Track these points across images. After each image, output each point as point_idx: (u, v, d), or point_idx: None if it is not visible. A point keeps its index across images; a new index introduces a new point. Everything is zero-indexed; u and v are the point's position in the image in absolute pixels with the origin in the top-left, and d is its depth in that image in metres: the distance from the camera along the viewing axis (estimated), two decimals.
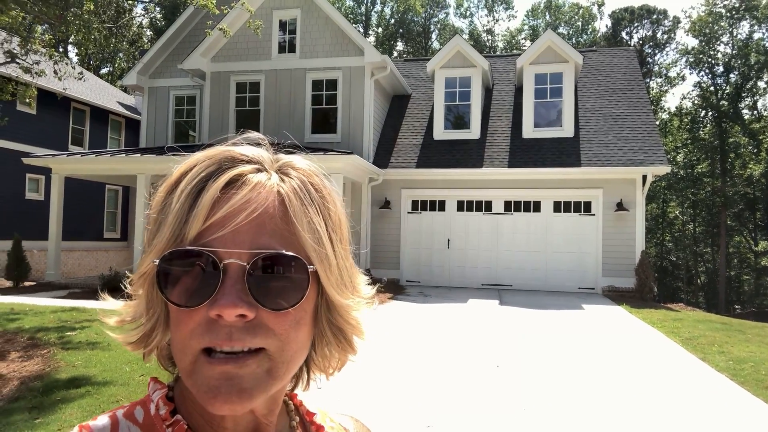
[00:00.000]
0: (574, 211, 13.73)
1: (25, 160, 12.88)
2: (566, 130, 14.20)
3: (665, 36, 36.21)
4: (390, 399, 5.02)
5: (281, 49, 15.02)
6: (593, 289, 13.40)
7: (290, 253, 0.56)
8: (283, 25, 15.04)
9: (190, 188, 0.57)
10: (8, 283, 12.17)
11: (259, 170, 0.59)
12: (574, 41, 39.54)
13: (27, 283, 12.16)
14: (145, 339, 0.61)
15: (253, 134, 0.67)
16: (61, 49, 30.41)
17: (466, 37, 43.33)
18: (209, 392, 0.53)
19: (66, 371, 5.60)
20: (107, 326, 0.63)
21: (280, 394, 0.64)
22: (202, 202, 0.55)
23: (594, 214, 13.55)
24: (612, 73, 16.10)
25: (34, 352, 6.29)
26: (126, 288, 0.63)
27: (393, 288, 13.04)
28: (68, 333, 7.11)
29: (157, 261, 0.56)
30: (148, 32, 37.35)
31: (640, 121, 14.22)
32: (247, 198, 0.56)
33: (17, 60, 9.53)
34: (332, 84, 14.63)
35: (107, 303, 0.65)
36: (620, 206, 13.08)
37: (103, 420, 0.60)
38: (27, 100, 10.76)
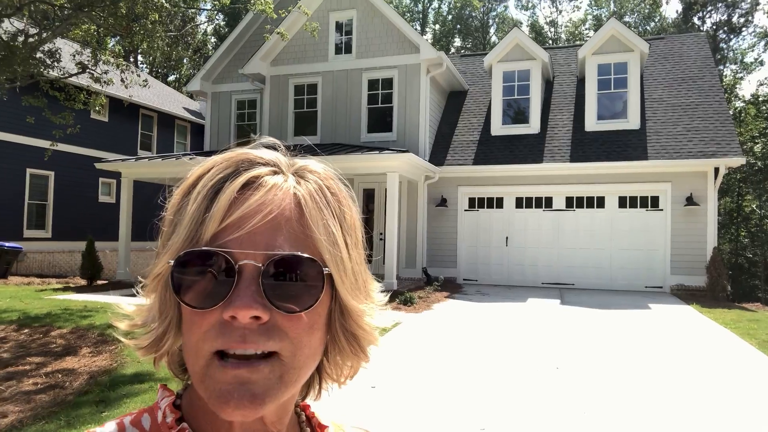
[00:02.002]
0: (641, 207, 13.15)
1: (97, 165, 13.57)
2: (632, 122, 13.61)
3: (742, 19, 34.16)
4: (445, 400, 4.94)
5: (338, 50, 15.15)
6: (661, 287, 12.79)
7: (306, 255, 0.56)
8: (339, 27, 15.17)
9: (207, 190, 0.57)
10: (83, 282, 12.86)
11: (275, 172, 0.59)
12: (640, 29, 37.94)
13: (100, 282, 12.80)
14: (156, 344, 0.60)
15: (269, 139, 0.67)
16: (131, 59, 31.96)
17: (527, 29, 42.38)
18: (221, 397, 0.53)
19: (131, 366, 5.84)
20: (119, 331, 0.63)
21: (290, 402, 0.63)
22: (219, 203, 0.55)
23: (662, 210, 12.92)
24: (681, 61, 15.31)
25: (103, 347, 6.60)
26: (138, 292, 0.63)
27: (450, 286, 12.91)
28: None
29: (172, 262, 0.55)
30: (213, 39, 38.65)
31: (711, 111, 13.45)
32: (264, 200, 0.56)
33: (88, 70, 10.03)
34: (388, 83, 14.62)
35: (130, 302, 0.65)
36: (690, 201, 12.41)
37: (110, 427, 0.61)
38: (97, 108, 11.32)
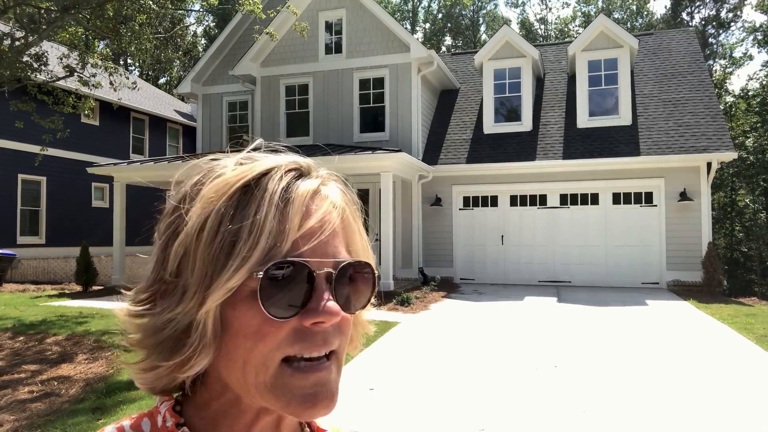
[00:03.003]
0: (635, 203, 13.18)
1: (89, 170, 13.46)
2: (623, 117, 13.65)
3: (730, 14, 34.35)
4: (443, 400, 4.92)
5: (328, 50, 15.10)
6: (657, 283, 12.83)
7: (364, 260, 0.61)
8: (329, 26, 15.12)
9: (278, 198, 0.57)
10: (78, 288, 12.75)
11: (322, 182, 0.62)
12: (628, 26, 38.10)
13: (95, 288, 12.70)
14: (184, 364, 0.57)
15: (280, 145, 0.67)
16: (121, 62, 31.75)
17: (517, 27, 42.46)
18: (306, 401, 0.56)
19: (128, 373, 5.76)
20: (129, 370, 0.62)
21: None
22: (294, 216, 0.57)
23: (656, 205, 12.96)
24: (671, 57, 15.37)
25: (99, 354, 6.54)
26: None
27: (446, 286, 12.90)
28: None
29: (261, 274, 0.54)
30: (203, 41, 38.47)
31: (702, 106, 13.51)
32: (327, 209, 0.59)
33: (76, 73, 9.94)
34: (379, 82, 14.60)
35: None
36: (684, 196, 12.46)
37: (110, 431, 0.61)
38: (86, 112, 11.22)
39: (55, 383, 5.43)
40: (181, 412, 0.62)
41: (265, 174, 0.59)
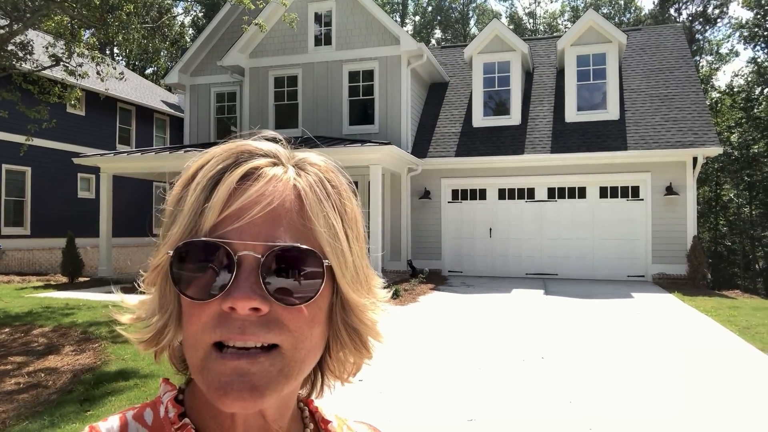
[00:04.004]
0: (622, 197, 13.31)
1: (75, 160, 13.32)
2: (611, 112, 13.75)
3: (717, 11, 34.60)
4: (432, 391, 4.96)
5: (317, 42, 15.03)
6: (643, 276, 12.98)
7: (306, 247, 0.55)
8: (318, 18, 15.05)
9: (206, 180, 0.56)
10: (64, 279, 12.65)
11: (275, 164, 0.59)
12: (617, 21, 38.27)
13: (81, 279, 12.60)
14: (156, 337, 0.60)
15: (268, 132, 0.66)
16: (107, 52, 31.36)
17: (506, 21, 42.48)
18: (220, 388, 0.52)
19: (116, 364, 5.77)
20: (120, 324, 0.63)
21: (291, 398, 0.63)
22: (218, 193, 0.55)
23: (642, 199, 13.10)
24: (658, 52, 15.48)
25: (87, 345, 6.50)
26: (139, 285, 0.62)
27: (435, 278, 12.96)
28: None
29: (171, 253, 0.55)
30: (190, 31, 38.09)
31: (689, 101, 13.64)
32: (263, 190, 0.55)
33: (62, 62, 9.82)
34: (369, 75, 14.56)
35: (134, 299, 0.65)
36: (670, 190, 12.59)
37: (113, 421, 0.60)
38: (72, 102, 11.08)
39: (42, 375, 5.39)
40: (183, 401, 0.62)
41: (211, 159, 0.59)
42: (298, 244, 0.55)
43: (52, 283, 12.41)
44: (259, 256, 0.53)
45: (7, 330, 7.22)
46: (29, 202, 17.12)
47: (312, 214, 0.57)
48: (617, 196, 13.33)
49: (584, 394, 4.85)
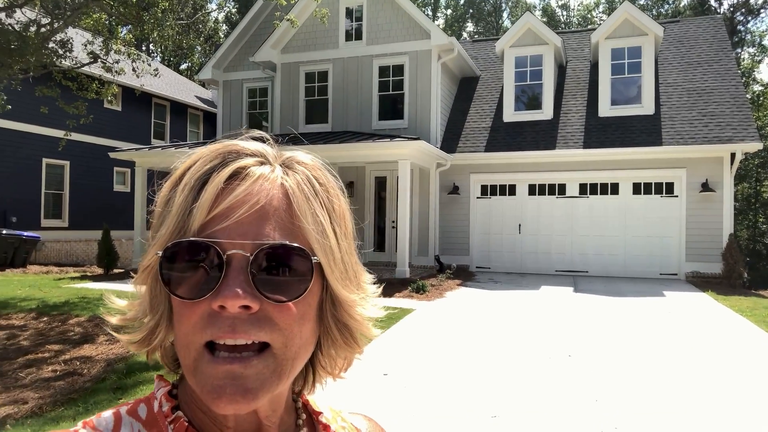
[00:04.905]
0: (655, 193, 13.02)
1: (111, 155, 13.68)
2: (646, 107, 13.45)
3: (760, 0, 33.45)
4: (456, 387, 4.97)
5: (348, 37, 15.07)
6: (676, 275, 12.70)
7: (295, 245, 0.55)
8: (349, 13, 15.08)
9: (194, 181, 0.57)
10: (99, 271, 13.02)
11: (262, 163, 0.59)
12: (654, 13, 37.32)
13: (116, 271, 12.96)
14: (148, 338, 0.61)
15: (255, 131, 0.67)
16: (143, 48, 32.03)
17: (539, 13, 41.83)
18: (213, 392, 0.53)
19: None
20: (111, 325, 0.63)
21: (283, 393, 0.63)
22: (206, 193, 0.55)
23: (677, 196, 12.79)
24: (697, 45, 15.06)
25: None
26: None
27: (462, 274, 12.91)
28: None
29: (160, 253, 0.55)
30: (224, 27, 38.59)
31: (728, 95, 13.24)
32: (251, 190, 0.56)
33: (99, 59, 10.08)
34: (399, 69, 14.54)
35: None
36: (706, 187, 12.27)
37: (106, 416, 0.61)
38: (109, 98, 11.38)
39: (77, 363, 5.58)
40: (176, 396, 0.63)
41: (198, 160, 0.59)
42: (287, 242, 0.55)
43: (89, 274, 12.79)
44: (248, 255, 0.54)
45: (45, 319, 7.49)
46: (67, 195, 17.66)
47: (300, 212, 0.57)
48: (651, 193, 13.05)
49: (611, 392, 4.79)
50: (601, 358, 5.94)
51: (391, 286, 10.50)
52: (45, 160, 16.88)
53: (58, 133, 13.91)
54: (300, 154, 0.63)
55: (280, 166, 0.60)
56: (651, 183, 13.03)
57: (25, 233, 14.48)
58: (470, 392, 4.83)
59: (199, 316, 0.54)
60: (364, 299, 0.64)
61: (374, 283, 0.68)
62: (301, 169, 0.61)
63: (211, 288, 0.53)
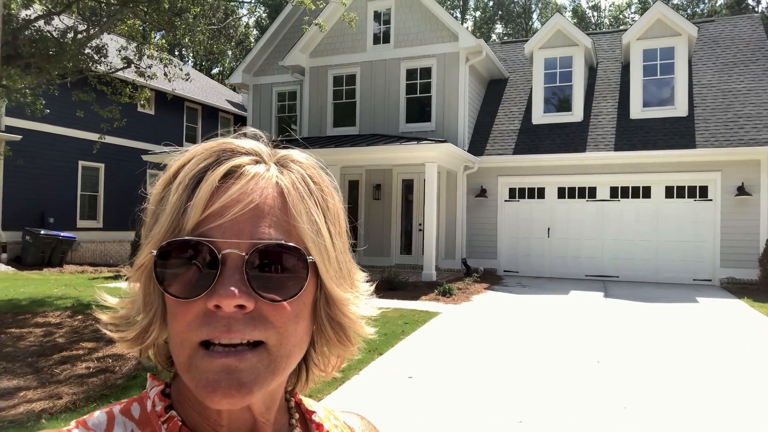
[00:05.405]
0: (689, 197, 12.74)
1: (144, 157, 13.98)
2: (679, 108, 13.17)
3: None
4: (481, 391, 4.94)
5: (376, 40, 15.13)
6: (710, 280, 12.39)
7: (290, 244, 0.55)
8: (377, 16, 15.15)
9: (188, 179, 0.56)
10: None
11: (257, 161, 0.59)
12: (688, 12, 36.54)
13: None
14: (141, 336, 0.60)
15: (250, 129, 0.67)
16: (176, 53, 32.68)
17: (570, 14, 41.36)
18: (208, 386, 0.52)
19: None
20: (103, 323, 0.62)
21: (278, 391, 0.63)
22: (200, 192, 0.55)
23: (711, 200, 12.49)
24: (733, 45, 14.69)
25: None
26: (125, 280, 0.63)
27: (490, 278, 12.82)
28: None
29: (155, 252, 0.55)
30: (254, 32, 39.13)
31: (765, 96, 12.88)
32: (245, 189, 0.55)
33: (133, 64, 10.33)
34: (426, 72, 14.54)
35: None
36: (741, 190, 11.95)
37: (99, 416, 0.60)
38: (142, 102, 11.64)
39: (110, 360, 5.71)
40: (169, 395, 0.62)
41: (193, 158, 0.59)
42: (282, 241, 0.55)
43: (122, 274, 12.93)
44: (243, 254, 0.53)
45: (80, 317, 7.69)
46: (102, 196, 18.11)
47: (295, 211, 0.57)
48: (684, 196, 12.77)
49: (640, 400, 4.70)
50: (631, 364, 5.83)
51: (417, 289, 10.49)
52: (81, 163, 17.35)
53: (94, 136, 14.29)
54: (295, 152, 0.63)
55: (275, 164, 0.60)
56: (684, 186, 12.75)
57: (62, 234, 14.90)
58: (496, 396, 4.80)
59: (194, 315, 0.53)
60: (358, 298, 0.64)
61: (367, 281, 0.68)
62: (296, 168, 0.61)
63: (205, 287, 0.53)
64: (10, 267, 13.85)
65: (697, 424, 4.18)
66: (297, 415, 0.68)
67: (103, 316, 0.62)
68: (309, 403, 0.72)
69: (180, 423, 0.59)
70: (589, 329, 7.61)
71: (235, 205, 0.54)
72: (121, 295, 0.63)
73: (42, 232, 14.49)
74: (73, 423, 0.59)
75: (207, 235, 0.54)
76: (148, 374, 0.66)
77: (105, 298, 0.63)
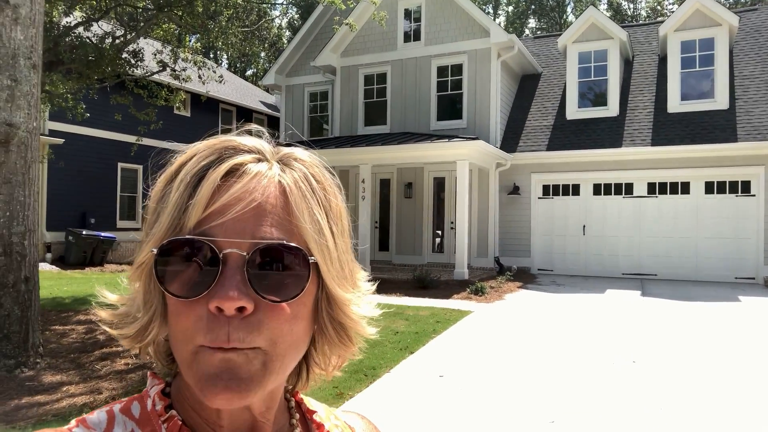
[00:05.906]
0: (730, 192, 12.35)
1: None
2: (719, 101, 12.78)
3: None
4: (513, 390, 4.89)
5: (406, 38, 15.12)
6: (753, 279, 11.99)
7: (292, 244, 0.54)
8: (407, 14, 15.13)
9: (190, 177, 0.56)
10: None
11: (260, 160, 0.58)
12: (730, 1, 35.38)
13: None
14: (141, 333, 0.60)
15: (253, 127, 0.67)
16: (211, 55, 33.26)
17: (604, 7, 40.52)
18: (209, 380, 0.52)
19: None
20: (102, 320, 0.62)
21: (277, 391, 0.63)
22: (202, 190, 0.54)
23: (754, 195, 12.08)
24: None
25: None
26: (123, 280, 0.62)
27: (523, 276, 12.68)
28: None
29: (155, 250, 0.55)
30: (287, 33, 39.53)
31: None
32: (248, 187, 0.55)
33: (168, 67, 10.56)
34: (457, 69, 14.45)
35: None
36: None
37: (99, 415, 0.60)
38: (177, 105, 11.89)
39: (147, 357, 5.86)
40: (170, 394, 0.62)
41: (194, 155, 0.58)
42: (284, 241, 0.54)
43: None
44: (244, 254, 0.53)
45: None
46: (140, 197, 18.56)
47: (297, 210, 0.56)
48: (725, 192, 12.38)
49: (677, 401, 4.59)
50: (668, 365, 5.70)
51: (449, 288, 10.45)
52: (120, 164, 17.83)
53: (132, 139, 14.66)
54: (297, 150, 0.62)
55: (278, 163, 0.59)
56: (725, 182, 12.37)
57: (102, 234, 15.33)
58: (528, 396, 4.75)
59: (197, 316, 0.53)
60: (360, 298, 0.63)
61: (369, 281, 0.67)
62: (298, 167, 0.60)
63: (206, 287, 0.52)
64: (54, 266, 14.34)
65: (733, 427, 4.06)
66: (297, 415, 0.68)
67: (103, 313, 0.62)
68: (310, 402, 0.71)
69: (180, 422, 0.59)
70: (625, 328, 7.46)
71: (237, 204, 0.54)
72: (121, 292, 0.63)
73: (84, 232, 14.94)
74: (73, 422, 0.59)
75: (208, 234, 0.53)
76: (149, 372, 0.65)
77: (104, 294, 0.63)
